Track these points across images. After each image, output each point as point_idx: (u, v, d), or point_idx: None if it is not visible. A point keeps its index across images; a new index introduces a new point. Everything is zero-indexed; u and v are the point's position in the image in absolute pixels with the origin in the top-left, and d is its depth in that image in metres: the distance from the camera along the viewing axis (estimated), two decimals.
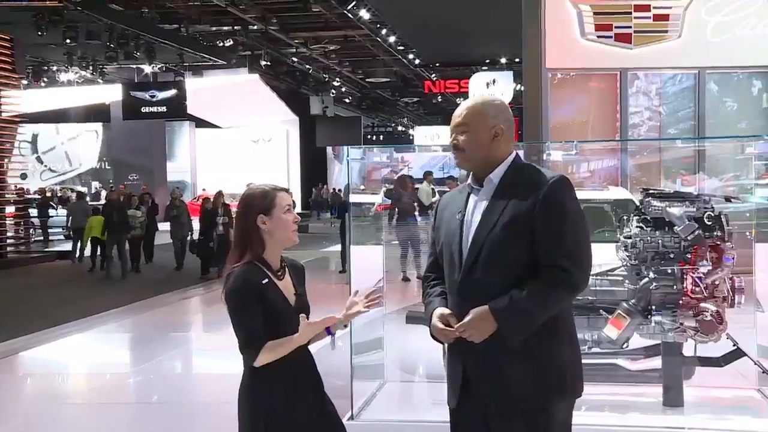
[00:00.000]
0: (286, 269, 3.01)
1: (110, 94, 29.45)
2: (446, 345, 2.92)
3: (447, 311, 2.81)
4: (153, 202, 20.03)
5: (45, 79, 28.25)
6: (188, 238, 16.69)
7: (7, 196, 18.82)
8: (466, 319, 2.71)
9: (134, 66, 26.51)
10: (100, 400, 7.28)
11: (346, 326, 3.03)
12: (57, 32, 19.86)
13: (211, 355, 9.39)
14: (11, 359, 8.93)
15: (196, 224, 16.52)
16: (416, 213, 13.29)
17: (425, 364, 6.57)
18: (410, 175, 15.78)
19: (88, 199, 24.69)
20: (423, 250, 11.87)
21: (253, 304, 2.83)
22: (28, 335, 9.77)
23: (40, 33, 19.12)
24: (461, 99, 30.15)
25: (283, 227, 2.95)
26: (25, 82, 24.63)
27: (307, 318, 2.93)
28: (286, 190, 3.05)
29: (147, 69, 26.60)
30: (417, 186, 14.72)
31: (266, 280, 2.90)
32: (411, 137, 45.73)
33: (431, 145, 37.42)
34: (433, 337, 2.93)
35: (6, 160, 18.95)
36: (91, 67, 26.63)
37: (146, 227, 17.20)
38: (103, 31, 20.75)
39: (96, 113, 35.18)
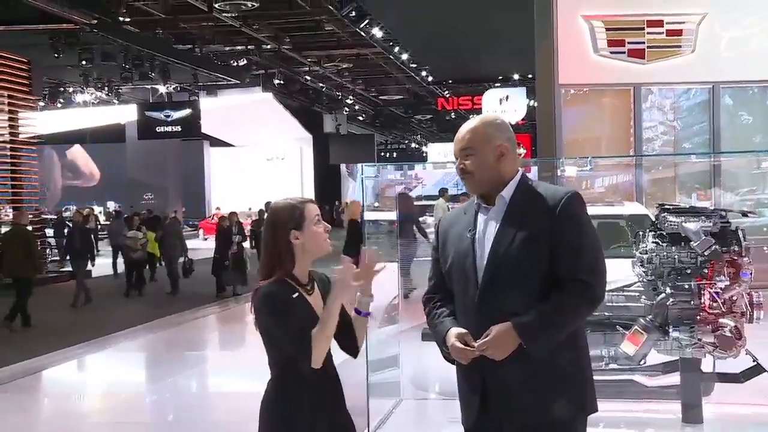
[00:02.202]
0: (315, 283, 2.97)
1: (125, 114, 29.74)
2: (457, 365, 2.89)
3: (463, 331, 2.79)
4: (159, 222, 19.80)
5: (61, 101, 28.54)
6: (181, 260, 15.90)
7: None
8: (489, 336, 2.70)
9: (149, 86, 26.75)
10: (117, 420, 7.29)
11: (371, 296, 2.96)
12: (73, 54, 20.08)
13: (227, 374, 9.39)
14: (29, 379, 8.96)
15: (196, 243, 16.41)
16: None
17: (442, 382, 6.54)
18: (406, 193, 14.92)
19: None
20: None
21: (289, 311, 2.79)
22: (45, 355, 9.80)
23: (56, 55, 19.34)
24: (474, 115, 30.24)
25: (316, 239, 2.90)
26: (42, 103, 24.92)
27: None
28: (312, 201, 2.99)
29: (162, 89, 26.84)
30: (433, 203, 14.63)
31: (296, 294, 2.86)
32: (424, 154, 45.81)
33: (445, 162, 37.40)
34: (446, 358, 2.92)
35: (23, 180, 19.10)
36: (106, 88, 26.89)
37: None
38: (118, 52, 20.96)
39: (111, 133, 35.51)
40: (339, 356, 2.99)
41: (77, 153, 41.37)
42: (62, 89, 27.67)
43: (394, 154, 44.73)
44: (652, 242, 5.14)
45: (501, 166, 2.85)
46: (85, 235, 15.42)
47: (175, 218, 17.15)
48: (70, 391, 8.78)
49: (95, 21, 17.55)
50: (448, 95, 31.65)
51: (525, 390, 2.73)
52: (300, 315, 2.82)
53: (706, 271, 4.93)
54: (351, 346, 3.02)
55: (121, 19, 18.75)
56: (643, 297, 5.17)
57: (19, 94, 18.38)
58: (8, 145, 18.39)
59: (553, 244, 2.72)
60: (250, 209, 27.07)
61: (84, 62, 21.09)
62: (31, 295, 12.09)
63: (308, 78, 28.88)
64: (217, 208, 30.79)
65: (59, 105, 28.86)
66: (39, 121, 19.81)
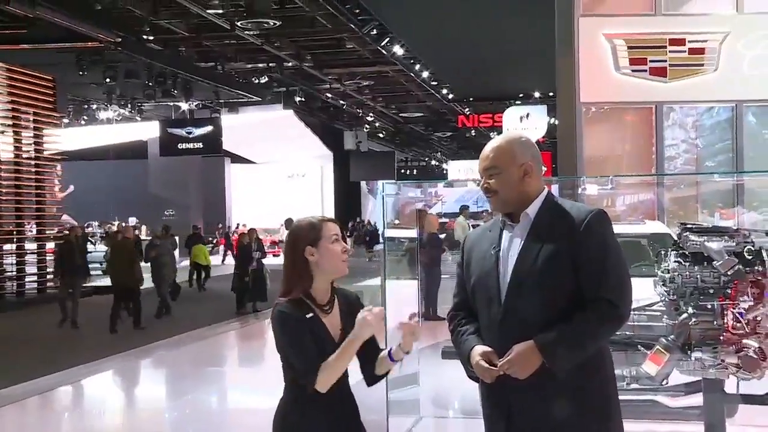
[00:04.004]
0: (336, 302, 2.97)
1: (148, 131, 30.02)
2: (481, 384, 2.88)
3: (488, 349, 2.77)
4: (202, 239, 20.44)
5: (85, 117, 28.87)
6: (173, 280, 15.15)
7: (47, 232, 19.14)
8: (511, 354, 2.69)
9: (171, 103, 26.99)
10: None
11: (408, 353, 2.95)
12: (97, 71, 20.35)
13: (247, 390, 9.40)
14: (49, 395, 9.02)
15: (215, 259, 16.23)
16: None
17: (461, 400, 6.52)
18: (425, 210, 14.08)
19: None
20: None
21: (301, 332, 2.81)
22: (65, 370, 9.86)
23: (81, 73, 19.60)
24: (495, 133, 30.25)
25: (331, 257, 2.91)
26: (66, 120, 25.23)
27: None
28: (333, 221, 3.00)
29: (184, 106, 27.07)
30: (453, 220, 14.64)
31: (311, 314, 2.88)
32: (445, 171, 45.81)
33: (466, 180, 37.40)
34: (470, 376, 2.90)
35: (48, 196, 19.32)
36: (129, 105, 27.17)
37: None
38: (141, 69, 21.21)
39: (134, 150, 35.83)
40: (359, 374, 3.00)
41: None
42: (86, 106, 28.00)
43: (415, 172, 44.75)
44: (674, 261, 5.09)
45: (526, 184, 2.85)
46: (78, 252, 14.81)
47: (165, 238, 16.11)
48: (89, 407, 8.82)
49: (119, 39, 17.78)
50: (468, 113, 31.68)
51: (550, 410, 2.71)
52: (312, 336, 2.83)
53: (729, 291, 4.88)
54: (370, 375, 3.01)
55: (144, 37, 18.99)
56: (665, 316, 5.12)
57: (44, 111, 18.63)
58: (33, 162, 18.62)
59: (577, 261, 2.71)
60: (244, 225, 27.36)
61: (108, 80, 21.34)
62: (136, 301, 13.38)
63: (329, 95, 29.03)
64: (244, 225, 30.96)
65: (83, 122, 29.18)
66: (62, 138, 20.03)
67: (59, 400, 9.11)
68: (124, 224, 19.16)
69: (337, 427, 2.91)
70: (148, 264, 15.09)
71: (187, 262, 20.99)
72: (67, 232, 15.98)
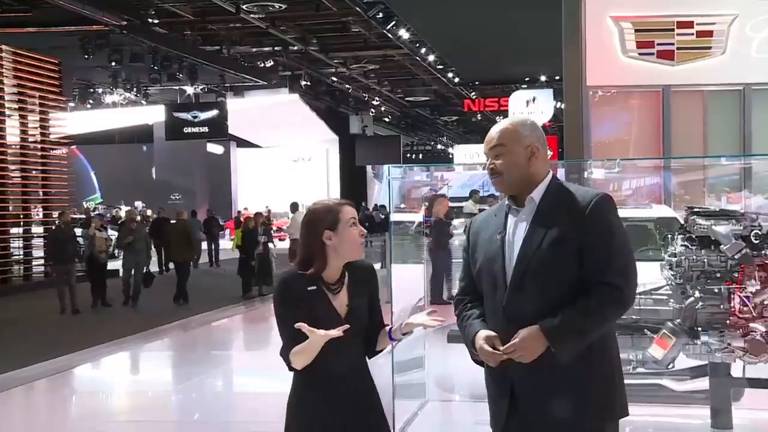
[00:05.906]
0: (345, 283, 2.98)
1: (153, 115, 30.02)
2: (486, 368, 2.88)
3: (492, 333, 2.77)
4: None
5: (90, 101, 28.84)
6: (143, 269, 14.24)
7: (54, 216, 19.17)
8: (516, 339, 2.68)
9: (177, 87, 26.95)
10: (143, 418, 7.35)
11: (406, 335, 3.03)
12: (102, 55, 20.32)
13: (253, 374, 9.44)
14: (57, 377, 9.06)
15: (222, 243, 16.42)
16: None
17: (467, 383, 6.53)
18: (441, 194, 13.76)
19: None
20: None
21: (292, 308, 2.83)
22: (72, 354, 9.91)
23: (86, 56, 19.57)
24: (501, 117, 30.14)
25: (349, 241, 2.93)
26: (71, 104, 25.22)
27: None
28: (350, 204, 3.03)
29: (189, 90, 27.02)
30: (459, 204, 14.55)
31: (314, 287, 2.90)
32: (450, 156, 45.71)
33: (473, 164, 37.33)
34: (474, 360, 2.91)
35: (55, 181, 19.34)
36: (135, 89, 27.15)
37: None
38: (146, 53, 21.16)
39: (139, 134, 35.86)
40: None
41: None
42: (92, 90, 27.97)
43: (420, 156, 44.62)
44: (681, 245, 5.07)
45: (531, 167, 2.84)
46: (67, 237, 14.03)
47: (138, 223, 15.55)
48: (96, 390, 8.87)
49: (125, 22, 17.74)
50: (474, 97, 31.56)
51: (554, 394, 2.71)
52: (313, 312, 2.85)
53: (736, 274, 4.86)
54: (370, 348, 3.08)
55: (149, 20, 18.94)
56: (672, 300, 5.11)
57: (49, 95, 18.63)
58: (39, 146, 18.64)
59: (582, 246, 2.70)
60: (245, 209, 27.62)
61: (113, 63, 21.32)
62: (189, 276, 14.68)
63: (335, 79, 28.95)
64: (245, 209, 30.96)
65: (89, 106, 29.18)
66: (68, 122, 20.05)
67: (66, 383, 9.15)
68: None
69: (341, 409, 2.91)
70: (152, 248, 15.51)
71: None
72: (56, 216, 15.87)
